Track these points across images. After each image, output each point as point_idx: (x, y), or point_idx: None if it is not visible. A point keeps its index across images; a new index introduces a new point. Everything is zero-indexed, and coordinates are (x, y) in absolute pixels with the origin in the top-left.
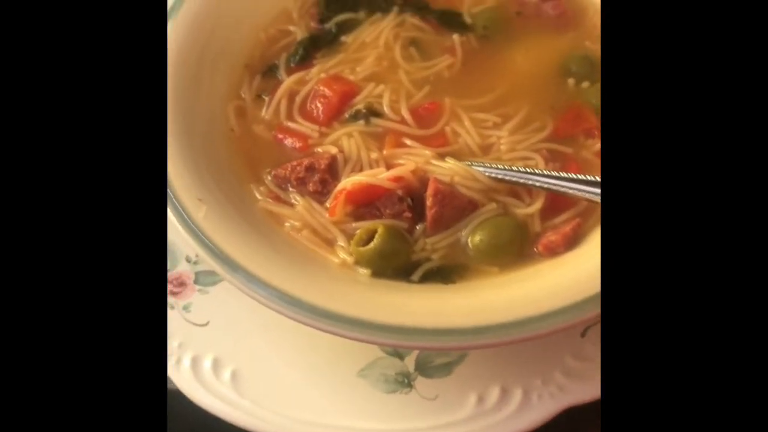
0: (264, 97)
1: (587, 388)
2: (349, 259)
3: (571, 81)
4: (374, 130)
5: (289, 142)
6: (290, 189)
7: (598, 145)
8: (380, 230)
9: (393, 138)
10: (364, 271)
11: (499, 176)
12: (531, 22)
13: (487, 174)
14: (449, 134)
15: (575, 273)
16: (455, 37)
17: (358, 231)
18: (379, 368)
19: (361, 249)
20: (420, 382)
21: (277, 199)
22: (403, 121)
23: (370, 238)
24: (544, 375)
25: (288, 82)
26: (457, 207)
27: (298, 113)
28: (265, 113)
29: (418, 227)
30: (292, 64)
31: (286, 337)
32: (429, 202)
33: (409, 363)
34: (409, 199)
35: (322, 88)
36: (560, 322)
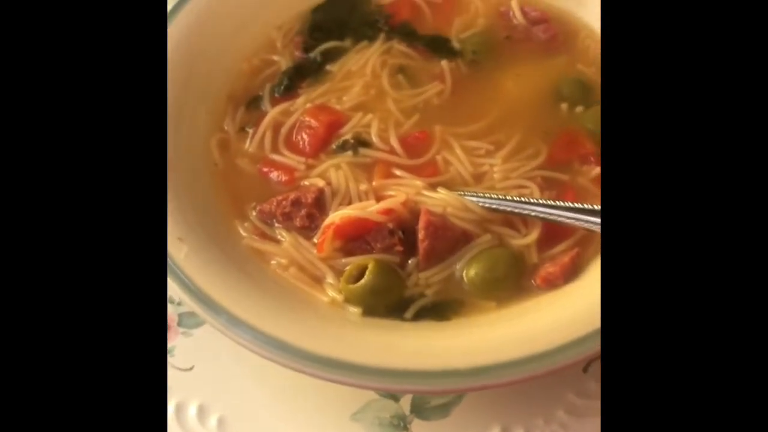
0: (248, 129)
1: (591, 427)
2: (339, 298)
3: (564, 106)
4: (363, 161)
5: (274, 175)
6: (276, 225)
7: (594, 172)
8: (371, 266)
9: (382, 168)
10: (354, 310)
11: (494, 206)
12: (521, 46)
13: (480, 204)
14: (440, 163)
15: (575, 307)
16: (444, 63)
17: (347, 267)
18: (373, 411)
19: (351, 286)
20: (416, 425)
21: (263, 235)
22: (392, 151)
23: (361, 275)
24: (546, 414)
25: (273, 113)
26: (450, 239)
27: (283, 145)
28: (249, 146)
29: (410, 261)
30: (276, 95)
31: (274, 381)
32: (421, 235)
33: (405, 405)
34: (400, 232)
35: (307, 119)
36: (561, 360)
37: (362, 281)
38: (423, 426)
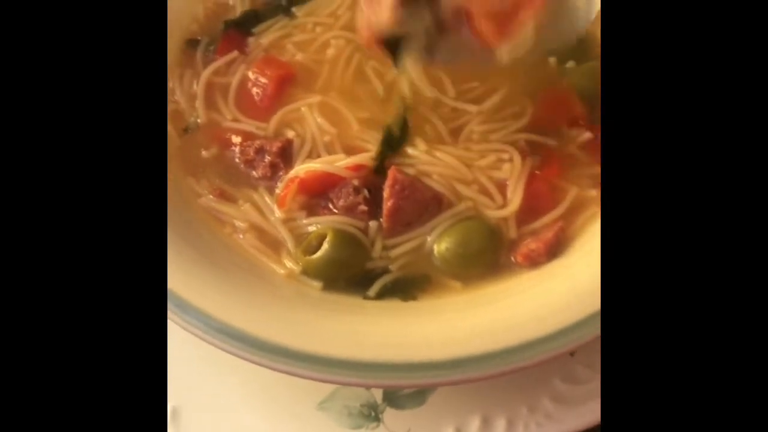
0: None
1: (579, 416)
2: (296, 269)
3: (552, 60)
4: None
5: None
6: (239, 177)
7: (583, 136)
8: (330, 236)
9: None
10: (315, 284)
11: None
12: None
13: None
14: None
15: (561, 289)
16: None
17: (308, 237)
18: (342, 399)
19: (309, 258)
20: (389, 414)
21: (222, 195)
22: None
23: (320, 245)
24: (531, 401)
25: (205, 75)
26: (419, 201)
27: (235, 108)
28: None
29: (371, 224)
30: (210, 50)
31: (231, 367)
32: (386, 193)
33: (377, 392)
34: (366, 191)
35: (254, 75)
36: (546, 352)
37: (320, 252)
38: (396, 415)
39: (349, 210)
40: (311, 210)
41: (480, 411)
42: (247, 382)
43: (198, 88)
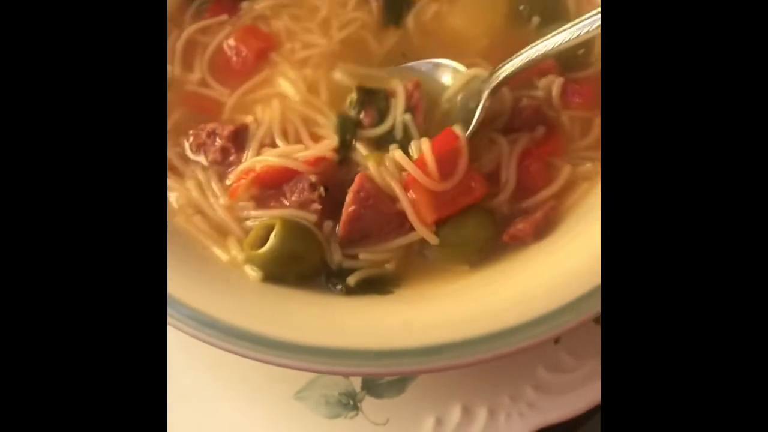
0: None
1: (562, 406)
2: (240, 257)
3: (535, 20)
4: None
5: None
6: (193, 157)
7: (557, 82)
8: (277, 228)
9: None
10: (254, 274)
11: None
12: None
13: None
14: None
15: (546, 275)
16: None
17: (255, 227)
18: (320, 388)
19: (254, 253)
20: (368, 403)
21: (171, 168)
22: None
23: (268, 237)
24: (513, 390)
25: (189, 31)
26: (382, 213)
27: (208, 72)
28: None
29: (326, 224)
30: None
31: (205, 356)
32: (349, 197)
33: (355, 380)
34: (322, 189)
35: (234, 43)
36: (529, 337)
37: (265, 247)
38: (375, 404)
39: (302, 206)
40: (261, 202)
41: (461, 400)
42: (222, 371)
43: (178, 43)
